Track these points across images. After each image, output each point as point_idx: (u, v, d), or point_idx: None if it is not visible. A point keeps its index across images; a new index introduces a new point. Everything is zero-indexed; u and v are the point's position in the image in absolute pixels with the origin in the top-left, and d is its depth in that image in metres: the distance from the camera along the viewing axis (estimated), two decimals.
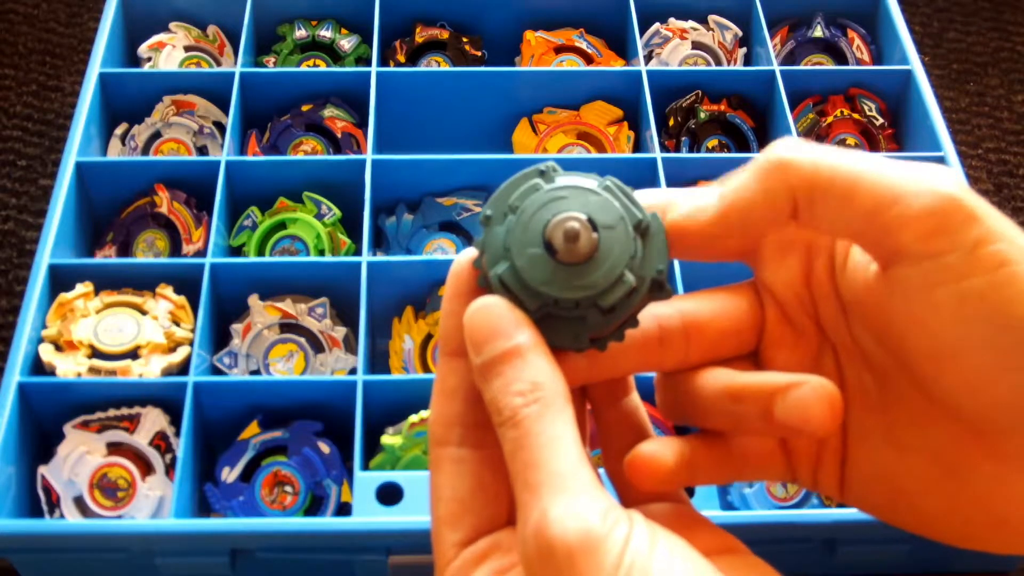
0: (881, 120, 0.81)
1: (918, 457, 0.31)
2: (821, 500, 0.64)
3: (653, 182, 0.73)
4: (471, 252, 0.31)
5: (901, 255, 0.29)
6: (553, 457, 0.27)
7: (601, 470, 0.35)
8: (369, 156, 0.73)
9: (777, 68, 0.79)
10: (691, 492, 0.58)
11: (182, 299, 0.68)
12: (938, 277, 0.28)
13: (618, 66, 0.83)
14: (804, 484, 0.34)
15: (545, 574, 0.26)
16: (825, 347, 0.33)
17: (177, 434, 0.63)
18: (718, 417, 0.33)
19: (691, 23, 0.85)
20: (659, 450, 0.32)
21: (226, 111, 0.77)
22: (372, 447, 0.63)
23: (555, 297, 0.29)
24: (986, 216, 0.28)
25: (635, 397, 0.34)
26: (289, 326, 0.69)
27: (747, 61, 0.85)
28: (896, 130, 0.82)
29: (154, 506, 0.61)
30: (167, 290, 0.68)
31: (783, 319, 0.33)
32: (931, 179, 0.28)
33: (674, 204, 0.32)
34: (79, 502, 0.62)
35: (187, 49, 0.84)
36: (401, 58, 0.84)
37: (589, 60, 0.84)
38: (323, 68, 0.83)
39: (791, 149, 0.30)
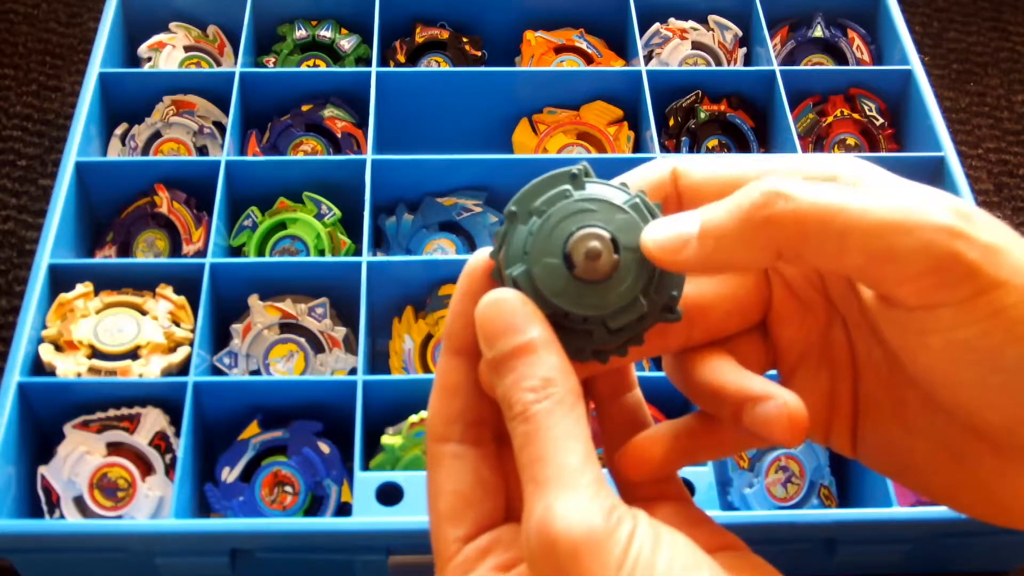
0: (881, 120, 0.81)
1: (925, 439, 0.32)
2: (821, 500, 0.64)
3: None
4: (485, 252, 0.31)
5: (894, 301, 0.29)
6: (562, 453, 0.27)
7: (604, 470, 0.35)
8: (369, 156, 0.73)
9: (777, 68, 0.79)
10: (690, 493, 0.58)
11: (182, 299, 0.68)
12: (930, 325, 0.28)
13: (618, 66, 0.83)
14: (817, 442, 0.34)
15: (548, 569, 0.26)
16: (835, 319, 0.33)
17: (177, 434, 0.63)
18: (704, 404, 0.33)
19: (691, 23, 0.85)
20: (647, 443, 0.33)
21: (226, 111, 0.77)
22: (372, 447, 0.63)
23: (565, 310, 0.29)
24: (985, 263, 0.27)
25: (637, 392, 0.34)
26: (289, 326, 0.69)
27: (747, 61, 0.85)
28: (896, 130, 0.82)
29: (154, 506, 0.61)
30: (167, 290, 0.68)
31: (790, 294, 0.33)
32: (928, 229, 0.27)
33: (653, 228, 0.30)
34: (79, 502, 0.62)
35: (187, 49, 0.84)
36: (401, 58, 0.84)
37: (589, 60, 0.84)
38: (323, 68, 0.83)
39: (776, 199, 0.28)
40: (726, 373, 0.32)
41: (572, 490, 0.27)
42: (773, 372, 0.35)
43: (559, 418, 0.28)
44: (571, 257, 0.29)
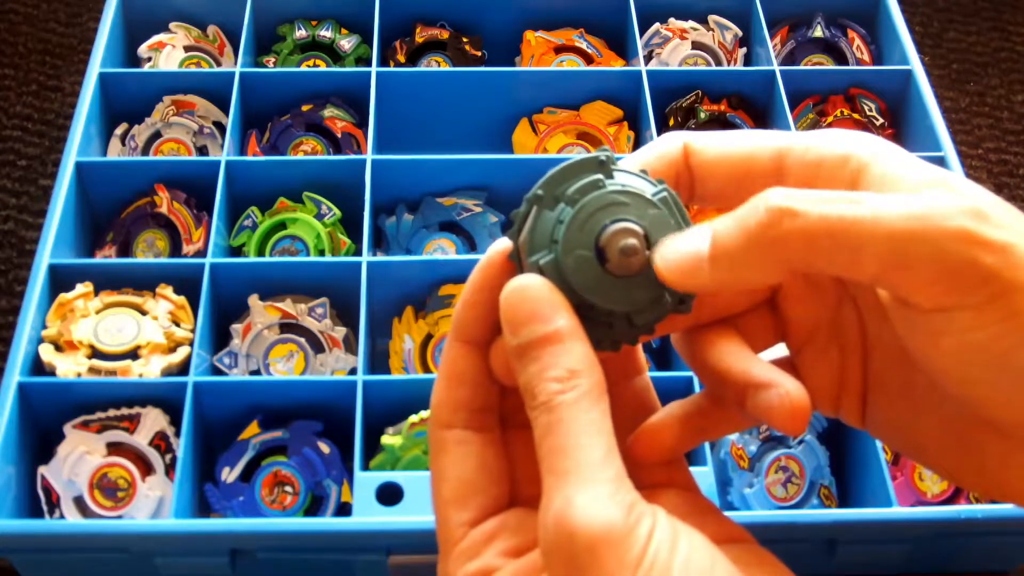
0: (881, 120, 0.81)
1: (932, 420, 0.32)
2: (821, 500, 0.64)
3: None
4: (504, 243, 0.31)
5: (909, 304, 0.28)
6: (584, 446, 0.27)
7: None
8: (369, 156, 0.73)
9: (777, 68, 0.79)
10: None
11: (182, 299, 0.68)
12: (944, 327, 0.28)
13: (618, 66, 0.83)
14: (827, 414, 0.34)
15: (564, 562, 0.26)
16: (845, 298, 0.33)
17: (177, 434, 0.63)
18: (710, 385, 0.33)
19: (691, 23, 0.85)
20: (659, 426, 0.33)
21: (226, 111, 0.77)
22: (372, 447, 0.63)
23: (592, 303, 0.29)
24: (1001, 266, 0.26)
25: (645, 376, 0.34)
26: (289, 326, 0.69)
27: (747, 61, 0.85)
28: (896, 130, 0.82)
29: (154, 506, 0.61)
30: (167, 290, 0.68)
31: (800, 274, 0.33)
32: (943, 237, 0.26)
33: (666, 251, 0.29)
34: (79, 502, 0.62)
35: (187, 49, 0.84)
36: (401, 58, 0.84)
37: (589, 60, 0.84)
38: (323, 68, 0.83)
39: (781, 217, 0.27)
40: (731, 357, 0.31)
41: (593, 484, 0.27)
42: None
43: (584, 411, 0.28)
44: (604, 251, 0.29)
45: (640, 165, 0.32)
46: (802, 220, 0.27)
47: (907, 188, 0.29)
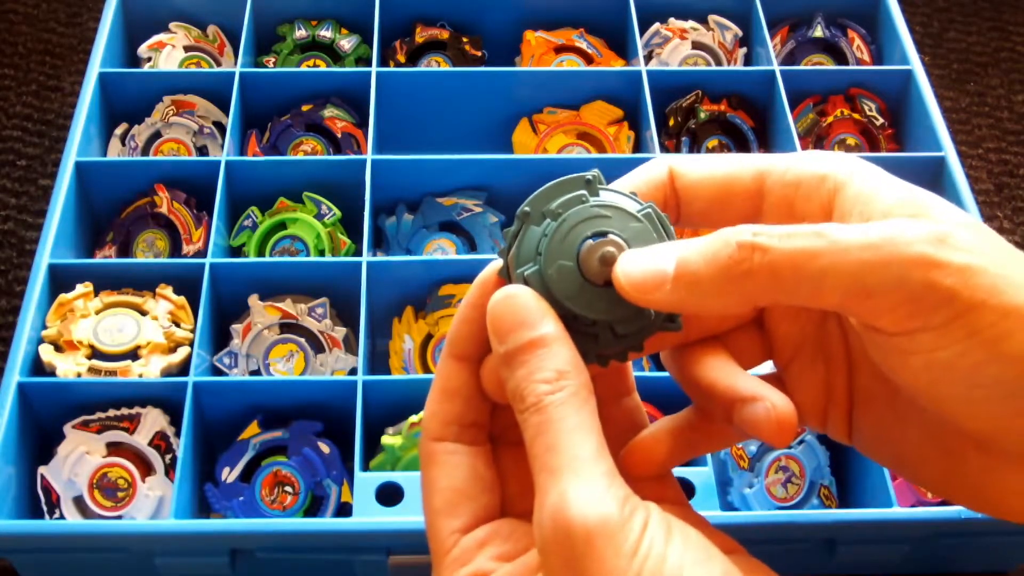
0: (881, 120, 0.81)
1: (917, 431, 0.32)
2: (821, 500, 0.64)
3: None
4: (498, 263, 0.31)
5: (875, 328, 0.29)
6: (575, 443, 0.28)
7: None
8: (369, 156, 0.73)
9: (777, 68, 0.79)
10: (691, 493, 0.58)
11: (182, 299, 0.68)
12: (910, 347, 0.28)
13: (618, 66, 0.83)
14: (814, 429, 0.35)
15: (561, 556, 0.27)
16: (829, 314, 0.34)
17: (177, 434, 0.63)
18: (698, 400, 0.33)
19: (691, 23, 0.85)
20: (651, 440, 0.33)
21: (226, 111, 0.77)
22: (372, 447, 0.63)
23: (575, 313, 0.30)
24: (961, 287, 0.27)
25: (636, 397, 0.35)
26: (289, 326, 0.69)
27: (747, 61, 0.85)
28: (896, 130, 0.82)
29: (154, 506, 0.61)
30: (167, 290, 0.68)
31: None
32: (902, 264, 0.27)
33: (627, 261, 0.29)
34: (79, 502, 0.62)
35: (187, 49, 0.84)
36: (401, 58, 0.84)
37: (589, 60, 0.84)
38: (323, 68, 0.83)
39: (752, 253, 0.28)
40: (718, 372, 0.32)
41: (587, 479, 0.27)
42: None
43: (573, 410, 0.28)
44: (585, 261, 0.30)
45: (628, 189, 0.32)
46: (770, 256, 0.28)
47: (880, 208, 0.29)
